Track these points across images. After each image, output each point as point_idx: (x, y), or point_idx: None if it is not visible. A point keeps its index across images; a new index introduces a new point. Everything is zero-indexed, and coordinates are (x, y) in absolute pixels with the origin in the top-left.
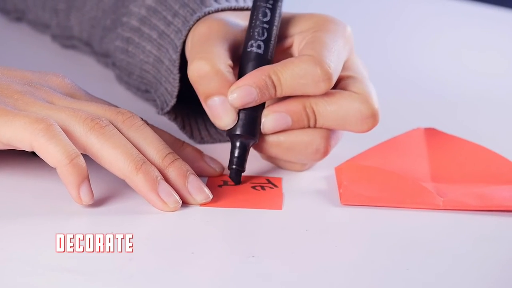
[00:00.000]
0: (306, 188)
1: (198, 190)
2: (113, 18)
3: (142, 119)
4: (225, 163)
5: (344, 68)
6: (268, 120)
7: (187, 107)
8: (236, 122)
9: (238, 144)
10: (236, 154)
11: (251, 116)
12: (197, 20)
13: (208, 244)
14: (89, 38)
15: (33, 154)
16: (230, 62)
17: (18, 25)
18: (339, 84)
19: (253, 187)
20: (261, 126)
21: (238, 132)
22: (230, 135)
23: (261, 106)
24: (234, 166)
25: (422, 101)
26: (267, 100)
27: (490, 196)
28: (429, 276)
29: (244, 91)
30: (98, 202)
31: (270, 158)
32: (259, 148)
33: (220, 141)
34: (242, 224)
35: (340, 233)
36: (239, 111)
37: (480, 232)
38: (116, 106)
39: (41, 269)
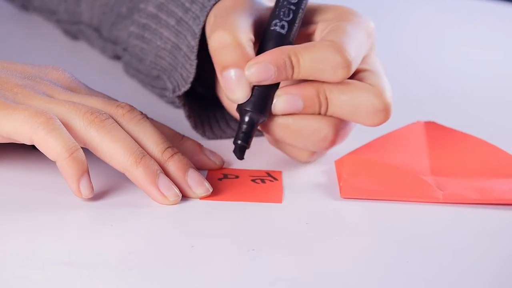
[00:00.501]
0: (306, 181)
1: (197, 183)
2: (130, 6)
3: (142, 113)
4: (225, 157)
5: (362, 62)
6: (280, 101)
7: (197, 103)
8: (248, 97)
9: (246, 119)
10: (243, 130)
11: (264, 94)
12: (214, 5)
13: (208, 238)
14: (99, 24)
15: (33, 147)
16: (252, 37)
17: (19, 18)
18: (355, 77)
19: (253, 180)
20: (272, 106)
21: (248, 108)
22: (240, 109)
23: (276, 86)
24: (239, 142)
25: (422, 95)
26: (284, 80)
27: (490, 189)
28: (428, 269)
29: (262, 68)
30: (97, 196)
31: (275, 142)
32: (266, 129)
33: (221, 137)
34: (242, 217)
35: (340, 227)
36: (253, 87)
37: (480, 225)
38: (116, 100)
39: (40, 262)
